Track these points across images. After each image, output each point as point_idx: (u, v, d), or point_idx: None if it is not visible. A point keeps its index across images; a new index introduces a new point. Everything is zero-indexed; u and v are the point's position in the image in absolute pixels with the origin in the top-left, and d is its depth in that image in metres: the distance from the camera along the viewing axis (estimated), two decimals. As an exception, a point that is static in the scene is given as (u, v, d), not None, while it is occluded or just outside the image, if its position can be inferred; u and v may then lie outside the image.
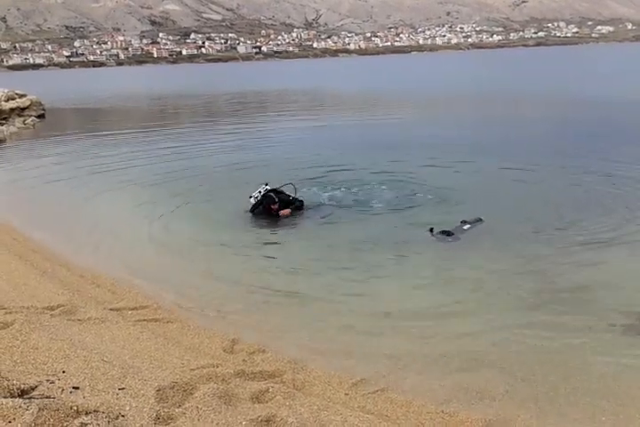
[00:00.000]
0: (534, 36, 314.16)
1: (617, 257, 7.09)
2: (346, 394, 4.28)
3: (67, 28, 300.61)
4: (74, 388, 3.72)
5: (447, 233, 7.97)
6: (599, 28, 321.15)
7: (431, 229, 8.05)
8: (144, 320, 5.59)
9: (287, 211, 9.36)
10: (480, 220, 8.51)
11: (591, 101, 26.42)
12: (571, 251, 7.37)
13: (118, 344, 4.78)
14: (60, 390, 3.65)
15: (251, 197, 9.63)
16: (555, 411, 4.09)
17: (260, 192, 9.57)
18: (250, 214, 9.51)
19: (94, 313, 5.58)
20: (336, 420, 3.76)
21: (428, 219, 8.75)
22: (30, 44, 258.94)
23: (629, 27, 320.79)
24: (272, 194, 9.32)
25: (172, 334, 5.32)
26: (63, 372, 3.96)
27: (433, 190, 10.55)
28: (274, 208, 9.26)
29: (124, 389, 3.78)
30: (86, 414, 3.30)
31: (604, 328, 5.28)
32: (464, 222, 8.31)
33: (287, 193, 9.70)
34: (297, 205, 9.53)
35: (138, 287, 6.57)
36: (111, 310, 5.79)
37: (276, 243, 8.22)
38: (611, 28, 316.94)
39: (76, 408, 3.32)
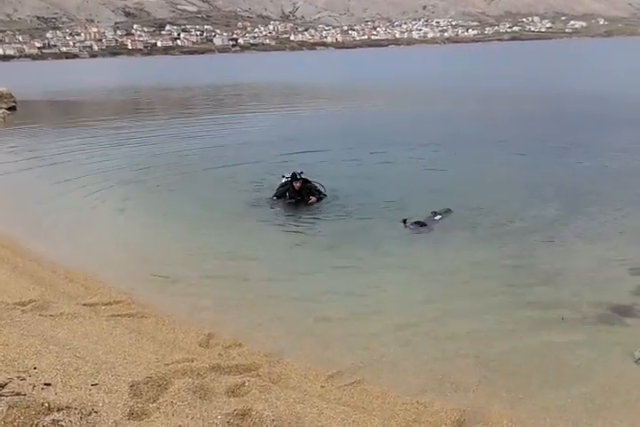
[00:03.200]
0: (509, 30, 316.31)
1: (586, 248, 7.23)
2: (322, 387, 4.29)
3: (38, 18, 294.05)
4: (45, 384, 3.65)
5: (420, 224, 8.13)
6: (572, 23, 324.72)
7: (404, 221, 8.19)
8: (118, 315, 5.53)
9: (314, 198, 9.62)
10: (449, 210, 8.72)
11: (560, 95, 26.78)
12: (540, 242, 7.51)
13: (91, 340, 4.72)
14: (32, 386, 3.58)
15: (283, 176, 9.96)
16: (528, 401, 4.16)
17: (283, 177, 9.90)
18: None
19: (67, 308, 5.49)
20: (312, 413, 3.77)
21: (400, 210, 8.90)
22: (0, 35, 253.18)
23: (601, 22, 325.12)
24: (298, 175, 9.65)
25: (147, 328, 5.27)
26: (34, 368, 3.89)
27: (401, 183, 10.70)
28: (296, 185, 9.52)
29: (97, 385, 3.73)
30: (58, 410, 3.24)
31: (576, 319, 5.38)
32: (435, 213, 8.50)
33: (316, 185, 9.90)
34: (320, 197, 9.77)
35: (111, 282, 6.49)
36: (84, 305, 5.71)
37: (251, 238, 8.17)
38: (583, 24, 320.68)
39: (47, 405, 3.26)
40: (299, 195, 9.61)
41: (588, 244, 7.37)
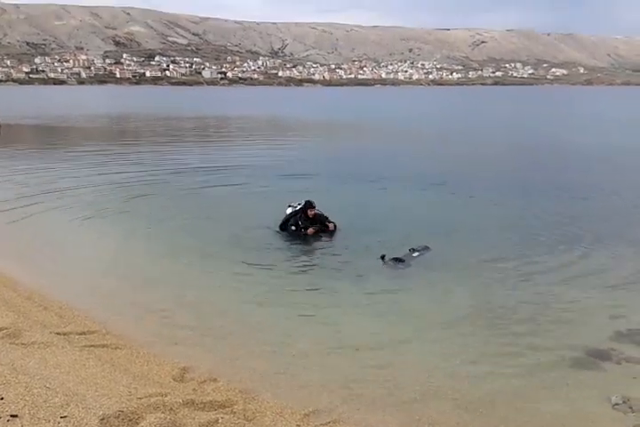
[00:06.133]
0: (492, 75, 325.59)
1: (566, 290, 7.28)
2: (297, 425, 4.21)
3: (27, 44, 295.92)
4: (12, 416, 3.54)
5: (398, 260, 8.16)
6: (554, 70, 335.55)
7: (382, 257, 8.21)
8: (91, 346, 5.40)
9: (332, 225, 9.66)
10: (427, 248, 8.78)
11: (541, 141, 27.45)
12: (518, 284, 7.56)
13: (63, 370, 4.59)
14: (-3, 418, 3.47)
15: (289, 206, 9.88)
16: (505, 444, 4.11)
17: (290, 206, 9.85)
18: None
19: (39, 337, 5.36)
20: (286, 452, 3.68)
21: (376, 245, 8.95)
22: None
23: (581, 71, 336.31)
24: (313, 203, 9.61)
25: (120, 360, 5.15)
26: (1, 399, 3.77)
27: (378, 217, 10.80)
28: (311, 213, 9.46)
29: (66, 417, 3.62)
30: (24, 444, 3.14)
31: (553, 363, 5.38)
32: (412, 250, 8.55)
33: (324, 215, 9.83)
34: (324, 228, 9.68)
35: (86, 311, 6.36)
36: (57, 334, 5.58)
37: (229, 270, 8.08)
38: (564, 71, 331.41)
39: (13, 438, 3.16)
40: (312, 223, 9.53)
41: (567, 286, 7.42)
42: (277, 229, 9.82)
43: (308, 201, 9.62)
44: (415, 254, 8.46)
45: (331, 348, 5.64)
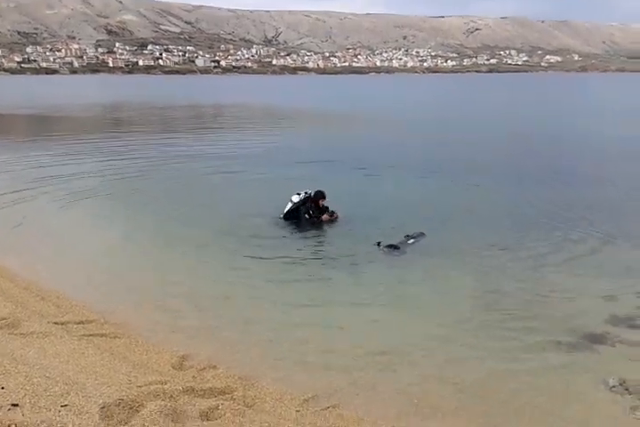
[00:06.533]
0: (487, 62, 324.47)
1: (562, 275, 7.33)
2: (297, 411, 4.23)
3: (19, 33, 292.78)
4: (13, 405, 3.54)
5: (394, 247, 8.18)
6: (548, 57, 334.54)
7: (378, 244, 8.24)
8: (90, 335, 5.41)
9: (337, 214, 9.78)
10: (422, 234, 8.81)
11: (539, 128, 27.44)
12: (514, 268, 7.61)
13: (62, 359, 4.60)
14: (-2, 407, 3.48)
15: (290, 201, 9.80)
16: (504, 425, 4.15)
17: (299, 194, 9.81)
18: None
19: (38, 327, 5.36)
20: (287, 437, 3.71)
21: (373, 233, 8.94)
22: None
23: (576, 58, 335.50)
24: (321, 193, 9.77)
25: (119, 349, 5.17)
26: (2, 388, 3.77)
27: (374, 205, 10.84)
28: (321, 203, 9.65)
29: (66, 406, 3.63)
30: (25, 432, 3.15)
31: (550, 346, 5.42)
32: (408, 237, 8.58)
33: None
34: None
35: (84, 301, 6.36)
36: (55, 323, 5.58)
37: (226, 259, 8.09)
38: (559, 58, 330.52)
39: (14, 426, 3.17)
40: (320, 212, 9.71)
41: (563, 271, 7.47)
42: (280, 216, 9.83)
43: (321, 191, 9.79)
44: (410, 241, 8.50)
45: (328, 335, 5.66)
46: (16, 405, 3.56)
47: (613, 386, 4.64)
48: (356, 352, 5.27)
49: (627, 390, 4.59)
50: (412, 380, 4.78)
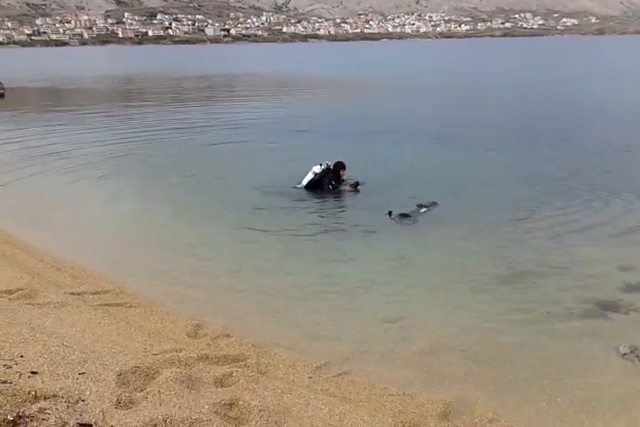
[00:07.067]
0: (501, 26, 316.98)
1: (575, 243, 7.28)
2: (309, 377, 4.31)
3: (27, 4, 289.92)
4: (32, 373, 3.63)
5: (405, 216, 8.16)
6: (564, 20, 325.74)
7: (389, 213, 8.20)
8: (106, 305, 5.51)
9: (349, 187, 9.84)
10: (435, 203, 8.76)
11: (549, 92, 26.93)
12: (527, 237, 7.57)
13: (79, 329, 4.69)
14: (18, 374, 3.56)
15: (312, 172, 9.88)
16: (514, 394, 4.20)
17: (320, 164, 9.89)
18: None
19: (54, 297, 5.46)
20: (299, 403, 3.78)
21: (385, 202, 8.88)
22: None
23: (593, 20, 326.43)
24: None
25: (135, 318, 5.26)
26: (21, 356, 3.87)
27: (387, 174, 10.77)
28: (342, 173, 9.82)
29: (84, 373, 3.72)
30: (45, 399, 3.23)
31: (562, 314, 5.42)
32: (420, 206, 8.54)
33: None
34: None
35: (100, 272, 6.46)
36: (72, 294, 5.68)
37: (241, 229, 8.13)
38: (575, 21, 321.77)
39: (34, 393, 3.25)
40: (341, 183, 9.89)
41: (577, 239, 7.42)
42: (297, 186, 9.92)
43: (341, 162, 9.89)
44: (423, 210, 8.46)
45: (340, 304, 5.71)
46: (35, 372, 3.65)
47: (625, 353, 4.65)
48: (366, 321, 5.32)
49: (637, 357, 4.60)
50: (423, 348, 4.82)
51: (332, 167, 9.83)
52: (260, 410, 3.56)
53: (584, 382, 4.32)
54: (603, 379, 4.36)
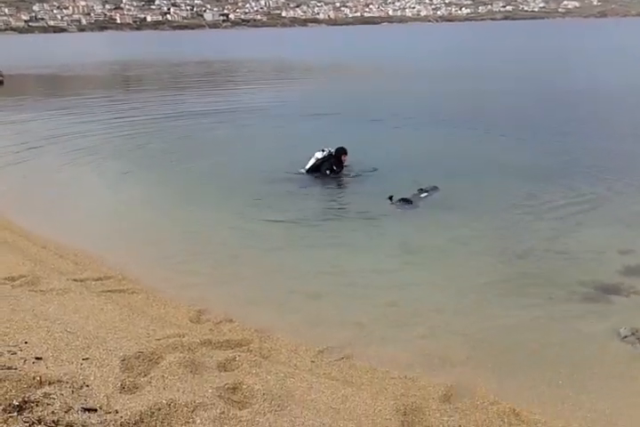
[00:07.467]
0: (502, 9, 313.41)
1: (576, 227, 7.28)
2: (312, 361, 4.34)
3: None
4: (36, 358, 3.66)
5: (406, 201, 8.14)
6: (565, 2, 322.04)
7: (390, 198, 8.18)
8: (108, 291, 5.53)
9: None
10: (436, 188, 8.75)
11: (552, 78, 26.74)
12: (528, 221, 7.57)
13: (82, 315, 4.72)
14: (23, 360, 3.59)
15: (314, 157, 9.91)
16: (515, 376, 4.23)
17: (323, 151, 9.90)
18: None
19: (57, 284, 5.49)
20: (302, 386, 3.82)
21: (385, 187, 8.86)
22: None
23: (594, 2, 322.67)
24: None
25: (138, 304, 5.28)
26: (25, 343, 3.90)
27: (387, 159, 10.74)
28: (344, 159, 9.79)
29: (88, 359, 3.75)
30: (49, 384, 3.27)
31: (563, 297, 5.44)
32: (421, 191, 8.52)
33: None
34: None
35: (102, 258, 6.47)
36: (74, 280, 5.70)
37: (243, 215, 8.13)
38: (577, 4, 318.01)
39: (38, 379, 3.28)
40: (342, 168, 9.88)
41: (578, 223, 7.42)
42: (300, 171, 9.93)
43: (343, 147, 9.84)
44: (423, 195, 8.44)
45: (342, 289, 5.73)
46: (40, 358, 3.68)
47: (625, 336, 4.67)
48: (368, 306, 5.34)
49: (638, 339, 4.62)
50: (423, 332, 4.84)
51: (333, 153, 9.82)
52: (264, 394, 3.59)
53: (585, 364, 4.35)
54: (603, 361, 4.39)
